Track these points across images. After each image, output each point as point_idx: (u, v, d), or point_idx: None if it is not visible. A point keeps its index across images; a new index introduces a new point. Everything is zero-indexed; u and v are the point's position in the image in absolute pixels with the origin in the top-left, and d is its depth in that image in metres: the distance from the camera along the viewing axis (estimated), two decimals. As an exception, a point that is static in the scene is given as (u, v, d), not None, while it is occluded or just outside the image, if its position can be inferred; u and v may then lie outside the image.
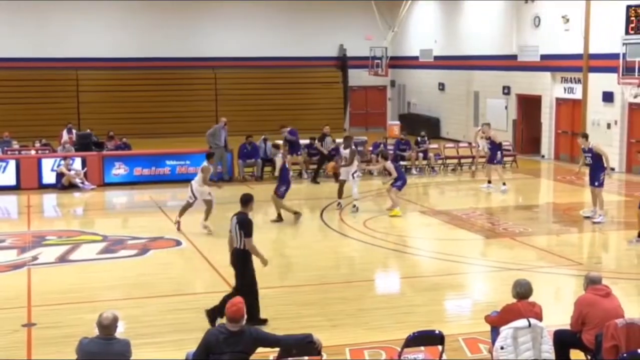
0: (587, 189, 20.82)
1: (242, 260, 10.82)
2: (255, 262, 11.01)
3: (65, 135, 26.82)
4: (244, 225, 10.71)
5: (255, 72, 37.54)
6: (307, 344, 7.63)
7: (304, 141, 25.39)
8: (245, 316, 7.39)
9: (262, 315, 10.91)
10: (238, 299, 7.48)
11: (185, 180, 22.98)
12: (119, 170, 23.17)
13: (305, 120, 36.46)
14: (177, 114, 35.74)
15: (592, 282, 8.71)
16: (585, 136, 18.30)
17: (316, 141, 24.64)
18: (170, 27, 36.46)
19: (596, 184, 17.36)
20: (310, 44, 38.21)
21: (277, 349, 7.72)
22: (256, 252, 10.89)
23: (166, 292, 12.53)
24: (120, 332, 10.49)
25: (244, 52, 37.26)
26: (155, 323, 11.04)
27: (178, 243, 15.96)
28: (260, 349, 7.45)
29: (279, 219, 17.83)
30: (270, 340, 7.51)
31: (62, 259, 14.67)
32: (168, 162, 23.63)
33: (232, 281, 12.93)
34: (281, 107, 37.17)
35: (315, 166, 24.49)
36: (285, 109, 37.19)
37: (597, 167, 17.38)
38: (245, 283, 10.77)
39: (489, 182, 21.48)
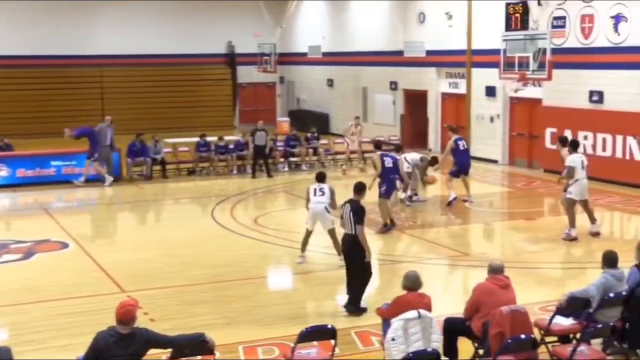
0: (470, 182, 21.43)
1: (354, 245, 11.03)
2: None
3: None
4: (358, 213, 11.04)
5: (143, 70, 36.93)
6: (200, 343, 7.56)
7: (194, 139, 25.20)
8: (136, 318, 7.23)
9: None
10: (128, 301, 7.34)
11: (71, 180, 22.57)
12: (0, 173, 22.37)
13: (194, 118, 36.30)
14: (61, 113, 34.70)
15: (493, 271, 8.90)
16: (562, 141, 16.54)
17: (248, 135, 24.44)
18: (54, 24, 35.40)
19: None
20: (198, 41, 37.85)
21: (170, 350, 7.62)
22: (365, 241, 11.08)
23: (53, 296, 12.20)
24: (3, 339, 10.21)
25: (131, 50, 36.57)
26: (43, 328, 10.73)
27: (65, 245, 15.56)
28: (152, 350, 7.35)
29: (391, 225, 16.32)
30: (162, 341, 7.41)
31: (-58, 266, 14.08)
32: (53, 163, 22.96)
33: (122, 282, 12.78)
34: (170, 105, 36.85)
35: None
36: (175, 107, 36.92)
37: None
38: (360, 267, 11.01)
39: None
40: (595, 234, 15.50)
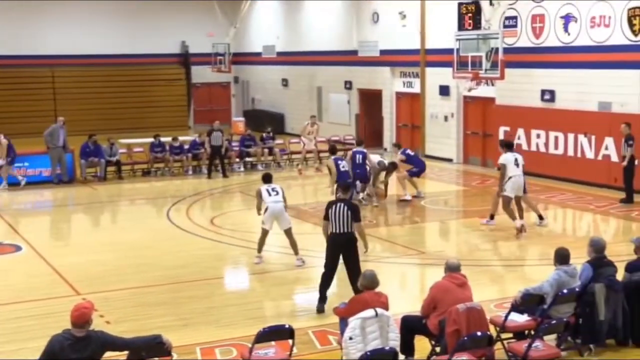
0: (426, 181, 21.62)
1: (353, 243, 11.10)
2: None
3: None
4: (356, 211, 11.10)
5: (96, 70, 36.54)
6: (157, 345, 7.51)
7: (148, 140, 25.07)
8: (92, 321, 7.15)
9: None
10: (83, 304, 7.26)
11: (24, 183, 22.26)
12: (-50, 175, 21.96)
13: (149, 118, 36.03)
14: (12, 114, 34.24)
15: (450, 269, 8.99)
16: (503, 144, 16.82)
17: (205, 136, 24.25)
18: (3, 23, 34.88)
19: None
20: (151, 41, 37.54)
21: (126, 352, 7.56)
22: (364, 235, 11.36)
23: (5, 301, 12.01)
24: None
25: (83, 50, 36.14)
26: (-5, 333, 10.58)
27: (18, 249, 15.34)
28: (108, 353, 7.28)
29: None
30: (118, 344, 7.34)
31: None
32: (4, 165, 22.60)
33: (77, 285, 12.64)
34: (124, 106, 36.54)
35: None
36: (128, 107, 36.62)
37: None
38: (359, 265, 10.96)
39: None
40: (520, 229, 15.64)
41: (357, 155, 18.33)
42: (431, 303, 8.85)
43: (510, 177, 15.61)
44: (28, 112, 34.41)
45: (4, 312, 11.44)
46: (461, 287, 8.84)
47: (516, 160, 15.75)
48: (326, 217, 11.21)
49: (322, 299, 11.21)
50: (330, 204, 11.31)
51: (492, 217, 16.44)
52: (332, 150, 17.20)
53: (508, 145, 16.26)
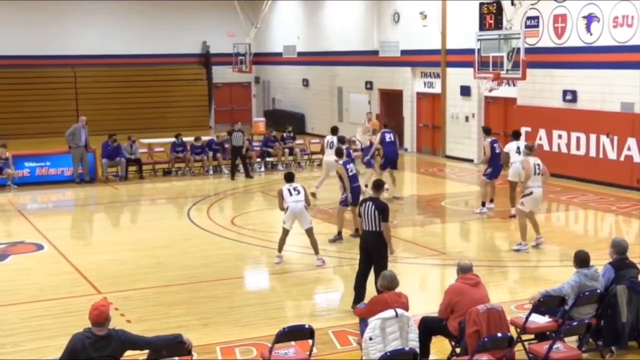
0: (446, 181, 21.54)
1: (380, 243, 11.04)
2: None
3: None
4: (384, 211, 11.06)
5: (117, 70, 36.74)
6: (177, 344, 7.54)
7: (168, 139, 25.15)
8: (110, 318, 7.17)
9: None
10: (101, 302, 7.29)
11: (46, 182, 22.42)
12: (-27, 174, 22.15)
13: (170, 119, 36.18)
14: (34, 114, 34.55)
15: (462, 271, 8.96)
16: (486, 132, 18.84)
17: (225, 136, 24.25)
18: (26, 25, 35.15)
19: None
20: (172, 41, 37.73)
21: (147, 351, 7.58)
22: (390, 237, 11.19)
23: (27, 299, 12.09)
24: (-21, 342, 10.11)
25: (105, 50, 36.40)
26: (16, 331, 10.64)
27: (40, 247, 15.45)
28: (129, 352, 7.31)
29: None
30: (138, 343, 7.37)
31: None
32: (27, 164, 22.76)
33: (98, 284, 12.70)
34: (145, 105, 36.73)
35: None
36: (149, 107, 36.80)
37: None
38: (384, 265, 10.82)
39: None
40: (513, 216, 16.76)
41: (387, 135, 19.41)
42: (448, 307, 8.82)
43: (512, 163, 17.05)
44: (50, 111, 34.68)
45: (26, 311, 11.51)
46: (475, 287, 8.81)
47: (518, 148, 17.00)
48: (359, 214, 11.29)
49: (358, 298, 11.08)
50: (361, 202, 11.39)
51: (483, 204, 17.87)
52: (339, 153, 16.24)
53: (515, 136, 17.67)
